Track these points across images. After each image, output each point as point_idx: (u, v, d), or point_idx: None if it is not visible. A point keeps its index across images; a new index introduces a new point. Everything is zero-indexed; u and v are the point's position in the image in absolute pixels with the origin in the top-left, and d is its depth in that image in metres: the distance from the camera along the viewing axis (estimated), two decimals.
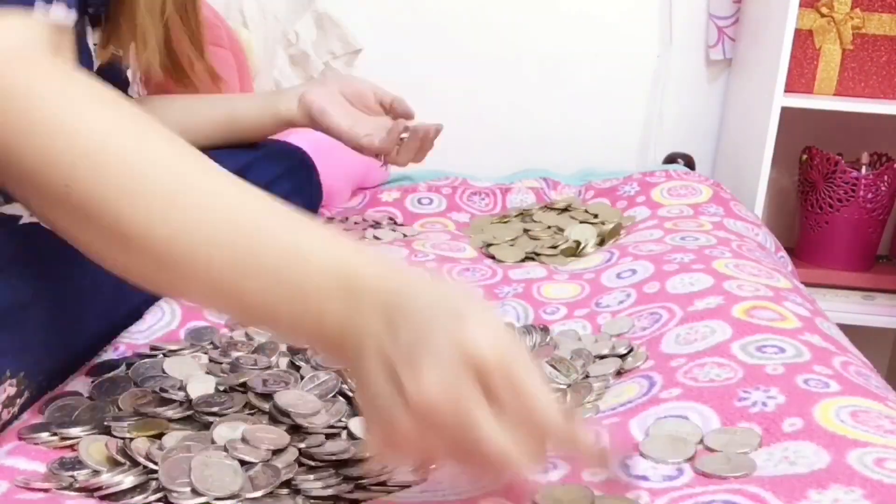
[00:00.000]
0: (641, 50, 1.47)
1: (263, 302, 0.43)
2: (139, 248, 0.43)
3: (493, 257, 0.92)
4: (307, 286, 0.41)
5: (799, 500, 0.41)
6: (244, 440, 0.51)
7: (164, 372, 0.61)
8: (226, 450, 0.50)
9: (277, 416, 0.55)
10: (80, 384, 0.60)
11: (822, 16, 1.24)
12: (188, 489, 0.47)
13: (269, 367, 0.62)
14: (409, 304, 0.39)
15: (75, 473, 0.48)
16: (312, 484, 0.49)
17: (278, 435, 0.52)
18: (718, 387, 0.54)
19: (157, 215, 0.42)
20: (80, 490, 0.47)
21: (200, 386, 0.58)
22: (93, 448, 0.50)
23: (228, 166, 0.46)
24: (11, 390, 0.53)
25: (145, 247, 0.43)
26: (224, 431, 0.53)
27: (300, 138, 1.04)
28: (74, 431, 0.52)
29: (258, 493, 0.47)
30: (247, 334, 0.69)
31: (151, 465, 0.48)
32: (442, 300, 0.39)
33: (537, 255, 0.94)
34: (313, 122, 0.87)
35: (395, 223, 1.05)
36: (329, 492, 0.48)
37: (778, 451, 0.47)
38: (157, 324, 0.69)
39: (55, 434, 0.52)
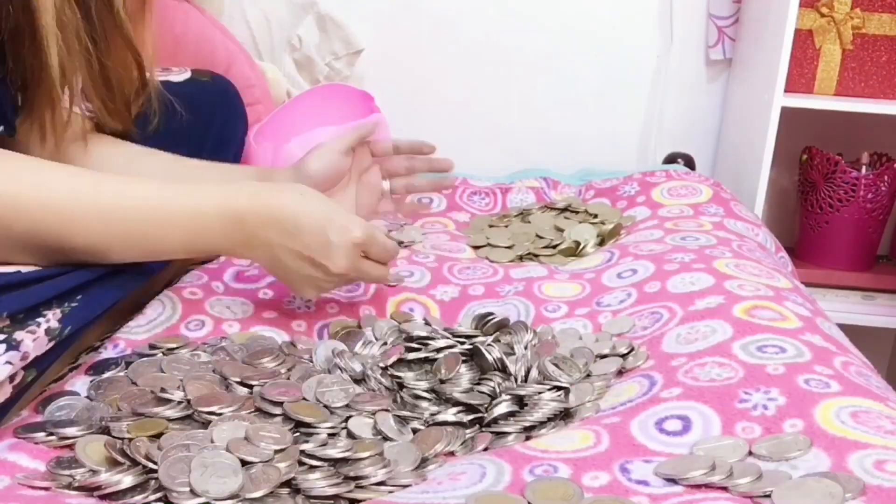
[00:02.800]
0: (642, 50, 1.47)
1: (183, 249, 0.65)
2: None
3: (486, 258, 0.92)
4: (212, 230, 0.64)
5: None
6: (246, 439, 0.51)
7: (162, 371, 0.60)
8: (227, 449, 0.50)
9: (271, 409, 0.55)
10: (78, 383, 0.59)
11: (822, 16, 1.24)
12: (188, 489, 0.47)
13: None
14: (293, 218, 0.65)
15: (73, 472, 0.48)
16: (313, 483, 0.48)
17: (280, 434, 0.52)
18: (719, 387, 0.54)
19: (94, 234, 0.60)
20: (79, 489, 0.47)
21: (199, 385, 0.58)
22: (90, 448, 0.50)
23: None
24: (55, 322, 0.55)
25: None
26: (224, 431, 0.52)
27: (302, 140, 1.05)
28: (71, 431, 0.52)
29: (258, 493, 0.47)
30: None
31: (151, 465, 0.48)
32: (312, 212, 0.66)
33: (535, 256, 0.93)
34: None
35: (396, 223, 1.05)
36: (329, 491, 0.48)
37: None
38: (158, 318, 0.69)
39: (52, 434, 0.52)
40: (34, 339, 0.52)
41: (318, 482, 0.49)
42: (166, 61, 1.05)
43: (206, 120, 0.90)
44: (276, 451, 0.51)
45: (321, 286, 0.69)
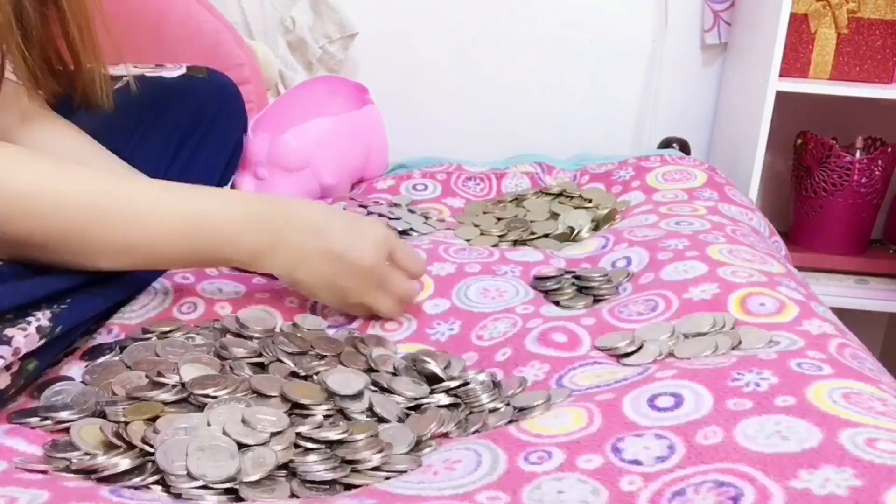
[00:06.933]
0: (637, 34, 1.46)
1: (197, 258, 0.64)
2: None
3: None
4: (238, 231, 0.63)
5: (789, 480, 0.42)
6: (243, 422, 0.51)
7: (157, 355, 0.60)
8: (224, 433, 0.50)
9: (267, 391, 0.55)
10: (73, 368, 0.60)
11: (818, 0, 1.23)
12: (185, 473, 0.47)
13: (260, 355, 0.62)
14: (320, 218, 0.65)
15: (69, 456, 0.48)
16: (310, 468, 0.49)
17: (277, 417, 0.52)
18: (712, 369, 0.55)
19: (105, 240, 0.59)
20: (76, 472, 0.47)
21: (194, 368, 0.58)
22: (85, 431, 0.50)
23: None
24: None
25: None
26: (220, 414, 0.53)
27: (298, 131, 1.04)
28: (65, 415, 0.52)
29: (255, 477, 0.47)
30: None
31: (148, 448, 0.48)
32: (336, 213, 0.68)
33: (529, 241, 0.93)
34: None
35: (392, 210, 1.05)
36: (327, 476, 0.48)
37: (770, 425, 0.47)
38: (151, 303, 0.69)
39: (46, 418, 0.52)
40: (25, 336, 0.52)
41: (314, 466, 0.49)
42: (149, 38, 1.03)
43: (202, 117, 0.88)
44: (273, 434, 0.51)
45: (345, 291, 0.66)
